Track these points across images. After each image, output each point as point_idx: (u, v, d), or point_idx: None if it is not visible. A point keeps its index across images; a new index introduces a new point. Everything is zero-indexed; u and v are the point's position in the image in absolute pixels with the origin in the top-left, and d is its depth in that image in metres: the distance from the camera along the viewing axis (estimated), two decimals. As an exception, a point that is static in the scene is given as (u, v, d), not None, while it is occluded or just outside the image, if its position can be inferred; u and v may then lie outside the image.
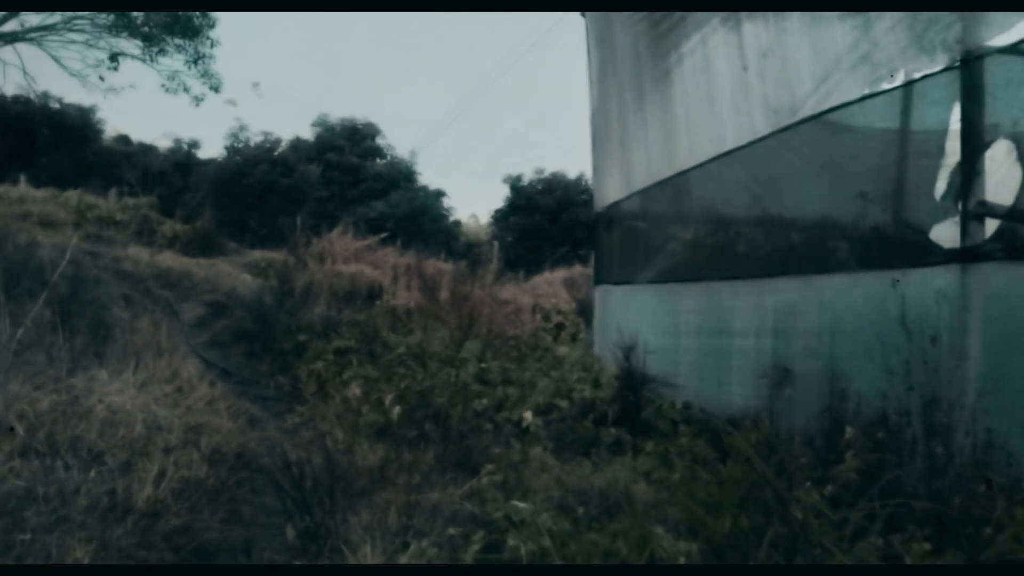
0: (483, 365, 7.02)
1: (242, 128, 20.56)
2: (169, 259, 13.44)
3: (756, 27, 6.88)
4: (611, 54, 9.73)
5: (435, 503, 3.63)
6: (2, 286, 7.06)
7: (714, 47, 7.43)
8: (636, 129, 8.96)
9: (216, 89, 12.30)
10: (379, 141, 22.79)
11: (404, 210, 19.26)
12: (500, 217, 21.40)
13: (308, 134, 22.07)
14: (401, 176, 21.84)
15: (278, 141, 21.04)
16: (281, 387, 7.87)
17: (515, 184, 21.33)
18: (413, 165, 22.26)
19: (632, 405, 6.20)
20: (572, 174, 21.26)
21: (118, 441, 4.30)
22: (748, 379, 6.69)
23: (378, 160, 22.30)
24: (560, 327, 11.38)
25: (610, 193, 9.74)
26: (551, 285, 15.72)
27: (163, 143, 23.39)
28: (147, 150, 23.84)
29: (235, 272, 13.98)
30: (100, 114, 21.67)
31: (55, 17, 9.88)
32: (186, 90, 12.08)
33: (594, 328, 10.10)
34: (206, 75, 11.94)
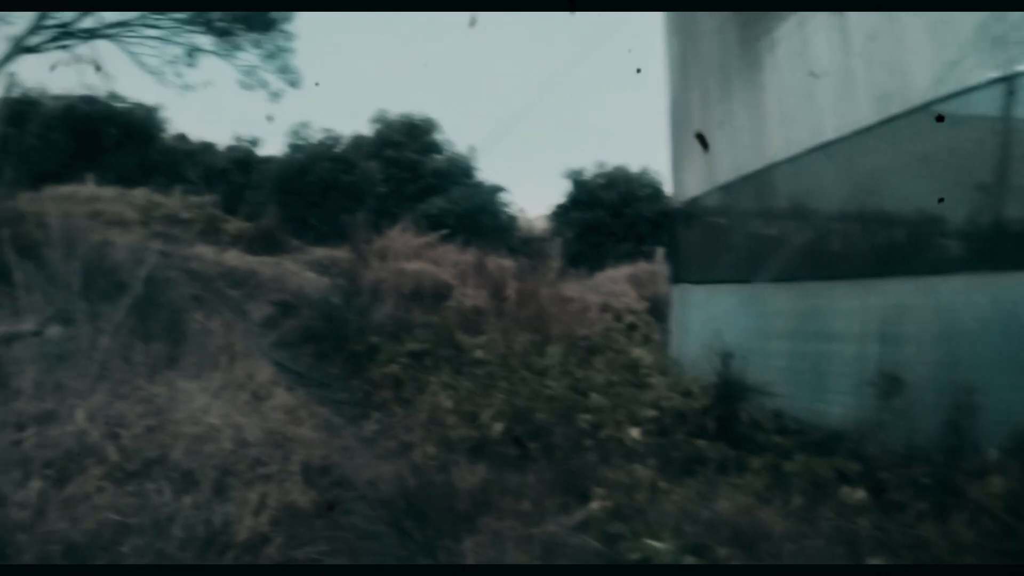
0: (575, 374, 6.68)
1: (304, 125, 20.58)
2: (235, 258, 13.45)
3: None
4: (692, 42, 9.29)
5: (551, 536, 3.32)
6: (81, 290, 7.00)
7: (813, 31, 6.96)
8: (721, 120, 8.52)
9: (294, 84, 12.13)
10: (437, 137, 22.59)
11: (464, 206, 19.00)
12: (560, 212, 21.00)
13: (368, 131, 22.00)
14: (459, 172, 21.60)
15: (339, 138, 21.01)
16: (354, 391, 7.69)
17: (576, 178, 20.91)
18: (472, 160, 21.99)
19: (729, 416, 5.81)
20: (635, 168, 20.75)
21: (206, 459, 4.11)
22: (849, 387, 6.24)
23: (436, 156, 22.09)
24: (632, 327, 10.98)
25: (690, 187, 9.32)
26: (616, 282, 15.29)
27: (224, 141, 23.60)
28: (208, 148, 24.08)
29: (300, 270, 13.91)
30: (166, 113, 21.95)
31: (130, 13, 9.84)
32: (263, 86, 11.91)
33: (671, 329, 9.70)
34: (283, 70, 11.77)
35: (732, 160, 8.22)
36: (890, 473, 4.39)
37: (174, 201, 17.37)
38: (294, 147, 20.58)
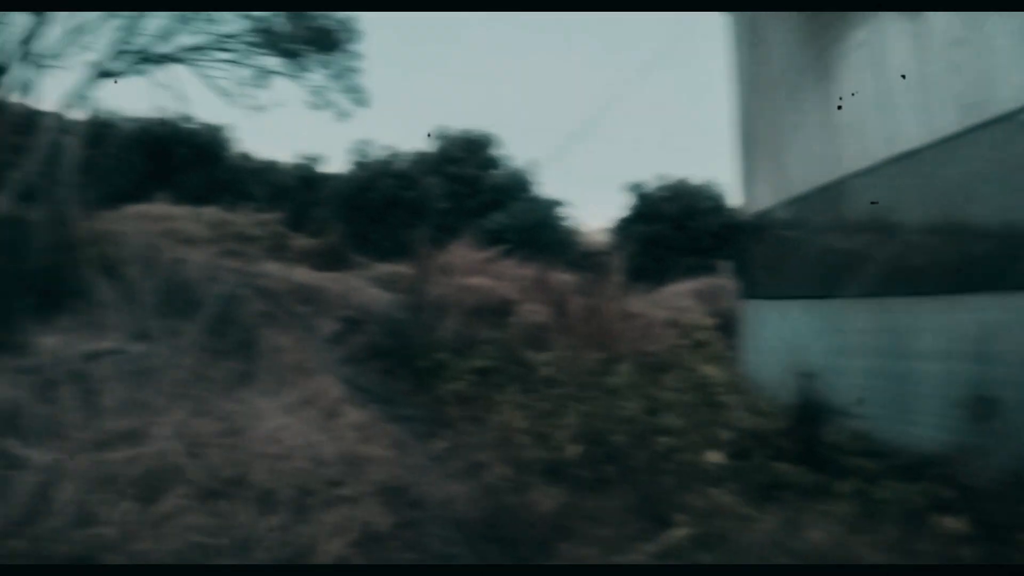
0: (646, 393, 6.54)
1: (366, 143, 20.92)
2: (302, 274, 13.63)
3: (944, 13, 6.15)
4: (760, 51, 9.10)
5: (636, 564, 3.22)
6: (157, 307, 7.17)
7: (889, 37, 6.73)
8: (792, 131, 8.30)
9: (361, 104, 12.28)
10: (497, 152, 22.69)
11: (524, 221, 18.99)
12: (622, 226, 20.80)
13: (429, 147, 22.25)
14: (519, 186, 21.63)
15: (400, 155, 21.28)
16: (421, 407, 7.68)
17: (638, 191, 20.71)
18: (531, 175, 22.00)
19: (811, 439, 5.59)
20: (698, 180, 20.45)
21: (284, 478, 4.13)
22: (937, 409, 5.96)
23: (496, 171, 22.18)
24: (701, 344, 10.75)
25: (760, 200, 9.10)
26: (680, 297, 15.05)
27: (288, 159, 24.11)
28: (272, 166, 24.65)
29: (364, 286, 14.04)
30: (233, 133, 22.56)
31: (204, 37, 10.13)
32: (331, 106, 12.09)
33: (742, 346, 9.46)
34: (351, 90, 11.94)
35: (805, 171, 7.99)
36: (989, 501, 4.16)
37: (242, 219, 17.75)
38: (357, 164, 20.92)
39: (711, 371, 8.86)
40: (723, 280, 15.36)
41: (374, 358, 9.75)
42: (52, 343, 5.58)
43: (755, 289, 9.24)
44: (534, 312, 11.48)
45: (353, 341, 10.68)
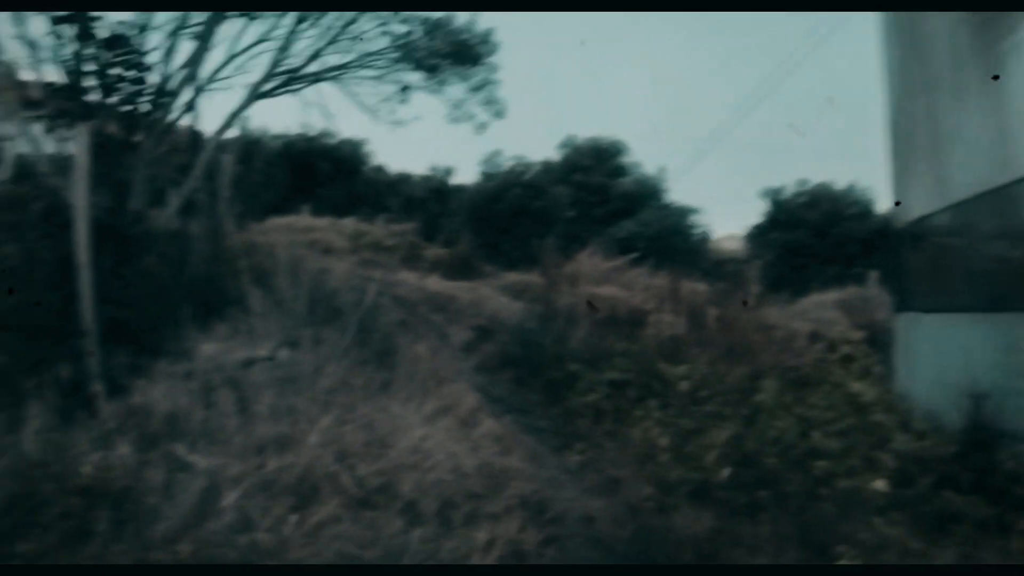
0: (793, 411, 6.17)
1: (495, 154, 21.24)
2: (435, 283, 13.94)
3: None
4: (916, 48, 8.46)
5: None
6: (304, 315, 7.45)
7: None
8: (954, 132, 7.65)
9: (499, 115, 12.49)
10: (626, 159, 22.43)
11: (654, 229, 18.62)
12: (758, 234, 20.02)
13: (557, 156, 22.30)
14: (648, 194, 21.27)
15: (529, 165, 21.44)
16: (555, 419, 7.61)
17: (775, 198, 19.88)
18: (661, 182, 21.58)
19: (984, 466, 5.08)
20: (841, 184, 19.37)
21: (427, 489, 4.14)
22: None
23: (624, 179, 21.91)
24: (848, 359, 10.10)
25: (917, 206, 8.44)
26: (823, 308, 14.25)
27: (421, 171, 24.84)
28: (405, 179, 25.45)
29: (494, 295, 14.18)
30: (369, 147, 23.50)
31: (350, 56, 10.62)
32: (470, 118, 12.37)
33: (895, 362, 8.80)
34: (489, 102, 12.17)
35: (970, 175, 7.33)
36: None
37: (378, 229, 18.40)
38: (486, 175, 21.25)
39: (861, 388, 8.29)
40: (871, 291, 14.45)
41: (505, 367, 9.77)
42: (210, 350, 5.89)
43: (911, 301, 8.57)
44: (667, 323, 11.18)
45: (484, 350, 10.78)
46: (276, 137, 22.06)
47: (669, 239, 18.66)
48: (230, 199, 9.16)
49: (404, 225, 19.12)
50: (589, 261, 16.22)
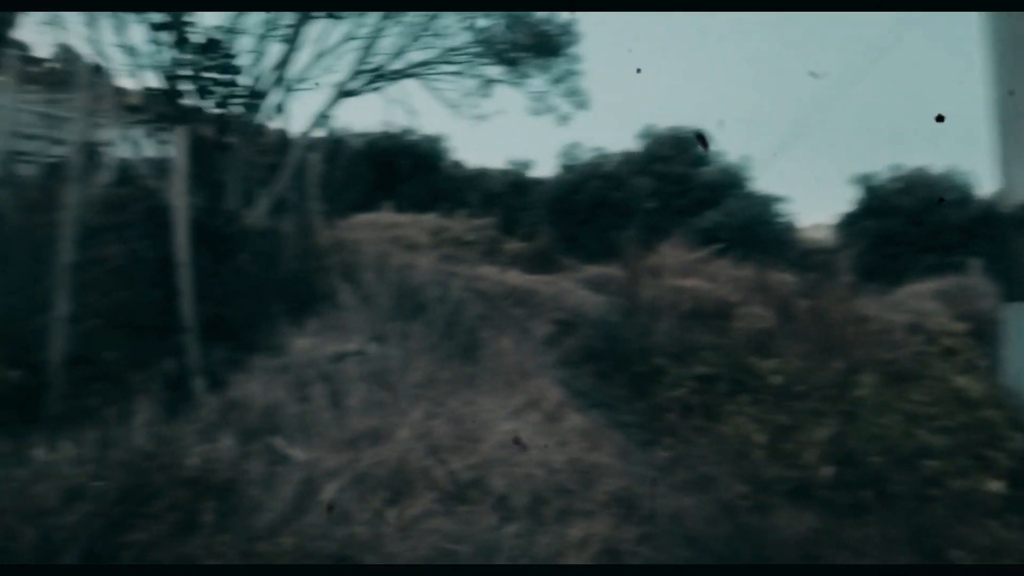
0: (894, 407, 5.88)
1: (574, 146, 21.07)
2: (515, 277, 13.93)
3: None
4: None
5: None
6: (391, 310, 7.55)
7: None
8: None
9: (582, 106, 12.35)
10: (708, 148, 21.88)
11: (739, 219, 18.12)
12: (849, 222, 19.21)
13: (637, 146, 21.94)
14: (732, 183, 20.70)
15: (609, 156, 21.18)
16: (641, 414, 7.49)
17: (867, 184, 19.02)
18: (745, 170, 20.97)
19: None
20: (938, 169, 18.35)
21: (517, 484, 4.12)
22: None
23: (707, 167, 21.39)
24: (950, 352, 9.55)
25: (1027, 189, 7.92)
26: (921, 299, 13.56)
27: (498, 165, 24.89)
28: (483, 173, 25.55)
29: (575, 288, 14.08)
30: (448, 143, 23.69)
31: (432, 52, 10.71)
32: (552, 110, 12.26)
33: (1003, 355, 8.28)
34: (571, 93, 12.05)
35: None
36: None
37: (458, 224, 18.53)
38: (565, 167, 21.11)
39: (966, 383, 7.82)
40: (972, 280, 13.67)
41: (588, 361, 9.68)
42: (303, 345, 6.03)
43: (1021, 290, 8.05)
44: (756, 316, 10.85)
45: (566, 344, 10.71)
46: (358, 136, 22.48)
47: (754, 229, 18.11)
48: (317, 197, 9.38)
49: (483, 220, 19.20)
50: (672, 253, 15.91)
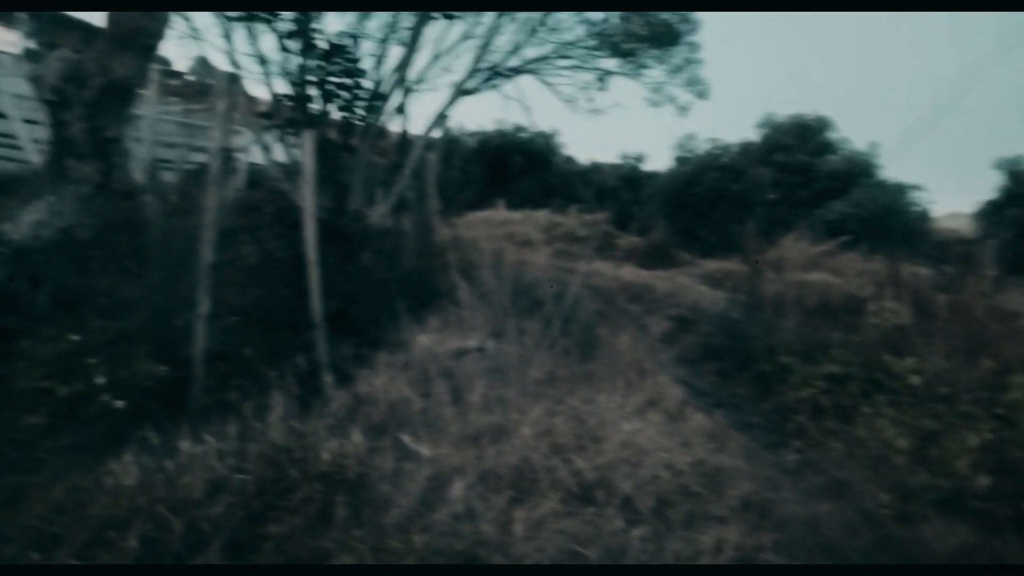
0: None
1: (690, 137, 20.58)
2: (630, 272, 13.75)
3: None
4: None
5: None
6: (508, 307, 7.57)
7: None
8: None
9: (702, 96, 12.03)
10: (832, 136, 20.85)
11: (868, 209, 17.15)
12: (991, 210, 17.85)
13: (755, 136, 21.21)
14: (859, 171, 19.63)
15: (727, 147, 20.55)
16: (766, 414, 7.21)
17: (1012, 169, 17.59)
18: (873, 158, 19.83)
19: None
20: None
21: (642, 485, 4.02)
22: None
23: (831, 156, 20.38)
24: (1119, 351, 8.66)
25: None
26: (1076, 293, 12.38)
27: (610, 159, 24.66)
28: (596, 168, 25.37)
29: (692, 284, 13.74)
30: (560, 139, 23.67)
31: (548, 47, 10.69)
32: (671, 101, 12.00)
33: None
34: (691, 83, 11.74)
35: None
36: None
37: (571, 220, 18.49)
38: (680, 160, 20.65)
39: None
40: None
41: (708, 359, 9.41)
42: (425, 341, 6.13)
43: None
44: (889, 311, 10.21)
45: (685, 341, 10.44)
46: (472, 134, 22.83)
47: (885, 219, 17.11)
48: (435, 196, 9.54)
49: (596, 215, 19.08)
50: (795, 245, 15.32)
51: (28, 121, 12.70)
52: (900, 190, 18.78)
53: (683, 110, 12.33)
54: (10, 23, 16.63)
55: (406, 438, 3.98)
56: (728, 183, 18.47)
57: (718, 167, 18.86)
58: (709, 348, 9.63)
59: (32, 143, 12.73)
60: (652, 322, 11.27)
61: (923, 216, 19.04)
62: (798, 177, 19.82)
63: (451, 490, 3.48)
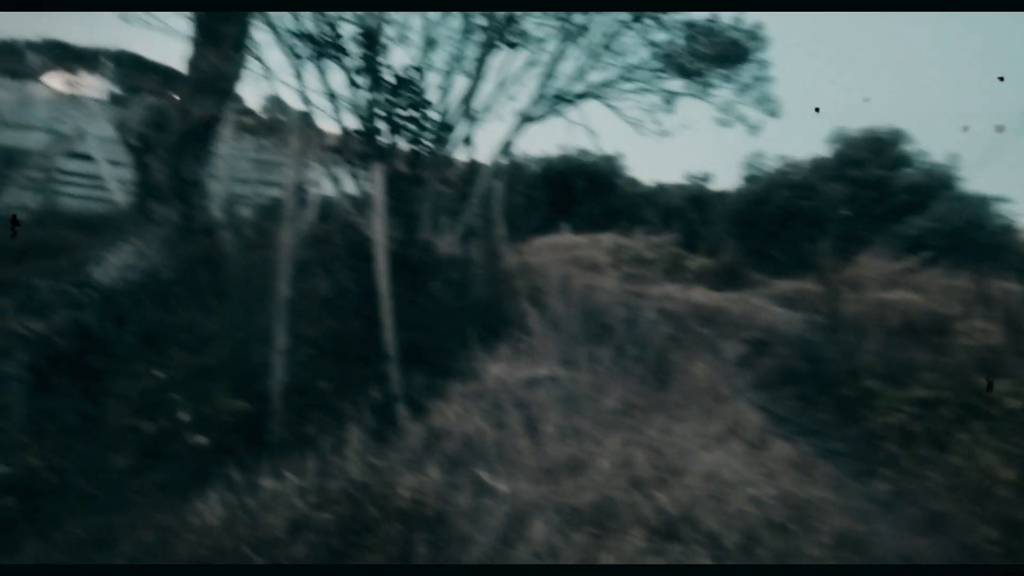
0: None
1: (758, 155, 20.19)
2: (700, 295, 13.48)
3: None
4: None
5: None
6: (578, 334, 7.48)
7: None
8: None
9: (773, 114, 11.76)
10: (908, 148, 20.13)
11: (950, 223, 16.46)
12: (1086, 222, 16.93)
13: (826, 152, 20.65)
14: (939, 184, 18.87)
15: (797, 164, 20.07)
16: (852, 441, 6.92)
17: (1109, 177, 16.67)
18: (953, 171, 19.05)
19: None
20: None
21: (728, 520, 3.86)
22: None
23: (908, 170, 19.67)
24: None
25: None
26: None
27: (675, 180, 24.42)
28: (661, 189, 25.13)
29: (766, 305, 13.38)
30: (623, 160, 23.57)
31: (612, 71, 10.64)
32: (741, 120, 11.77)
33: None
34: (762, 101, 11.51)
35: None
36: None
37: (637, 243, 18.29)
38: (749, 178, 20.27)
39: None
40: None
41: (787, 384, 9.10)
42: (496, 370, 6.08)
43: None
44: (980, 331, 9.71)
45: (761, 364, 10.14)
46: (535, 159, 22.93)
47: (968, 234, 16.38)
48: (502, 222, 9.55)
49: (663, 236, 18.83)
50: (873, 263, 14.79)
51: (113, 162, 13.33)
52: (984, 203, 17.97)
53: (754, 129, 12.05)
54: (95, 70, 17.53)
55: (484, 474, 3.93)
56: (799, 200, 18.02)
57: (789, 184, 18.42)
58: (787, 372, 9.33)
59: (117, 183, 13.34)
60: (726, 346, 10.96)
61: (1009, 229, 18.16)
62: (873, 192, 19.18)
63: (531, 527, 3.41)
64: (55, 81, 16.94)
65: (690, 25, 10.21)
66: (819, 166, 20.08)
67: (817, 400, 8.30)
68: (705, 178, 23.72)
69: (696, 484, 4.24)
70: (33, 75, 16.32)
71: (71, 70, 17.40)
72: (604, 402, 5.85)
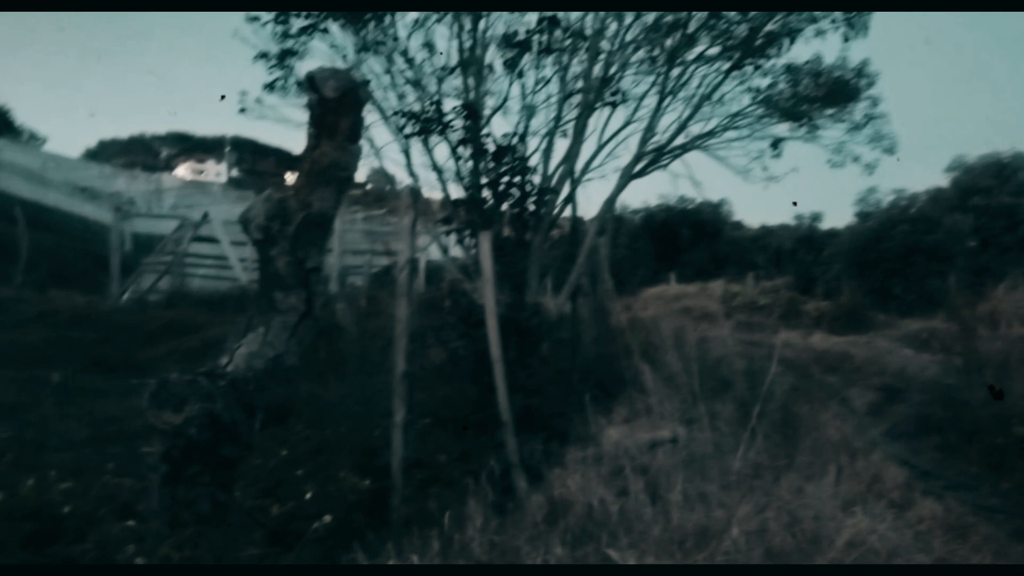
0: None
1: (871, 191, 19.38)
2: (822, 340, 12.91)
3: None
4: None
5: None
6: (696, 389, 7.24)
7: None
8: None
9: (891, 151, 11.24)
10: (1036, 171, 18.86)
11: (1096, 249, 15.20)
12: None
13: (944, 182, 19.59)
14: (1080, 207, 17.54)
15: (913, 197, 19.13)
16: (1007, 496, 6.34)
17: None
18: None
19: None
20: None
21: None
22: None
23: (1040, 194, 18.39)
24: None
25: None
26: None
27: (781, 221, 23.73)
28: (768, 232, 24.47)
29: (894, 348, 12.66)
30: (728, 206, 23.17)
31: (714, 121, 10.49)
32: (855, 160, 11.30)
33: None
34: (876, 138, 11.05)
35: None
36: None
37: (748, 288, 17.80)
38: (862, 215, 19.45)
39: None
40: None
41: (926, 433, 8.52)
42: (613, 434, 5.94)
43: None
44: None
45: (895, 413, 9.53)
46: (636, 211, 22.87)
47: (1116, 259, 15.06)
48: (609, 278, 9.49)
49: (776, 280, 18.26)
50: (1010, 297, 13.77)
51: (235, 243, 14.17)
52: None
53: (869, 168, 11.46)
54: (217, 156, 18.86)
55: (613, 552, 3.78)
56: (921, 235, 17.10)
57: (907, 219, 17.53)
58: (925, 420, 8.77)
59: (239, 262, 14.16)
60: (855, 394, 10.43)
61: None
62: (1002, 221, 17.99)
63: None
64: (182, 170, 18.32)
65: (790, 69, 9.97)
66: (938, 197, 19.05)
67: (962, 450, 7.71)
68: (816, 217, 22.97)
69: (839, 554, 3.95)
70: (164, 166, 17.74)
71: (196, 158, 18.78)
72: (729, 463, 5.59)
